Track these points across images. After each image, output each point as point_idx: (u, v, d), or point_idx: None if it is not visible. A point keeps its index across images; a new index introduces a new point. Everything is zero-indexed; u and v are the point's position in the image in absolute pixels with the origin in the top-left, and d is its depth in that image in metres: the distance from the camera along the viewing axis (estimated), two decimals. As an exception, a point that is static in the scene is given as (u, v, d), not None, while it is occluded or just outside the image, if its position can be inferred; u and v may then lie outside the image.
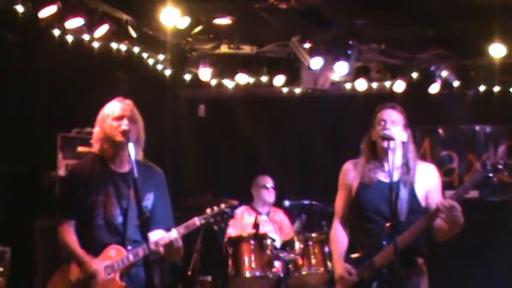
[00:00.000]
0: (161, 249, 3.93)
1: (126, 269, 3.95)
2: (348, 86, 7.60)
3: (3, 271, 5.45)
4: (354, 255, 4.06)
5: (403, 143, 4.05)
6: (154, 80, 7.07)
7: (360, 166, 4.10)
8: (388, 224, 3.88)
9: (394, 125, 4.01)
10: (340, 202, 4.22)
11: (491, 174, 3.87)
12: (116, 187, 4.04)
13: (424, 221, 3.90)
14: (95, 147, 4.11)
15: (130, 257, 3.94)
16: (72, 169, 4.33)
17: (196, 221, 4.05)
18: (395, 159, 3.97)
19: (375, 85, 7.57)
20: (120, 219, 4.01)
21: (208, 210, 4.11)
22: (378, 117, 4.06)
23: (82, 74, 6.52)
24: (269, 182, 7.02)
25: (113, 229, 4.00)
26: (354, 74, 7.17)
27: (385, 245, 3.92)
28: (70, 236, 4.02)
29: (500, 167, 3.87)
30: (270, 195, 7.00)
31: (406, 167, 3.98)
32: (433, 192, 4.05)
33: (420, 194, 4.01)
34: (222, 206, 4.16)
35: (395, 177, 3.99)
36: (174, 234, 3.97)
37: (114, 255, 3.96)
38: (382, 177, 4.05)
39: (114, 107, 4.06)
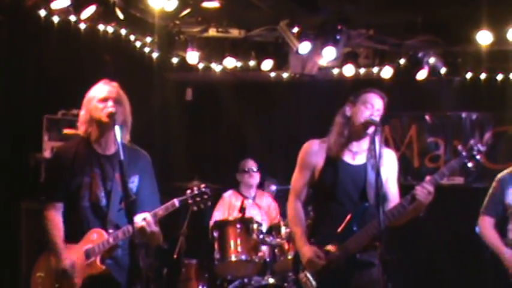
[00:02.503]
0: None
1: (107, 252, 3.93)
2: (335, 71, 7.59)
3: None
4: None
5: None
6: (142, 63, 7.03)
7: (332, 141, 4.05)
8: (348, 216, 3.92)
9: (378, 113, 4.02)
10: (300, 181, 4.14)
11: (466, 161, 3.91)
12: (101, 169, 4.01)
13: (413, 211, 3.92)
14: (81, 130, 4.08)
15: (110, 239, 3.92)
16: (57, 151, 4.29)
17: (176, 202, 3.99)
18: (363, 143, 4.02)
19: (362, 71, 7.57)
20: (104, 201, 4.00)
21: (188, 191, 4.05)
22: (364, 98, 4.03)
23: (68, 55, 6.48)
24: (252, 166, 7.00)
25: (98, 211, 3.99)
26: (342, 60, 7.17)
27: (356, 230, 3.93)
28: (54, 221, 3.99)
29: (475, 153, 3.91)
30: (253, 179, 6.99)
31: (374, 151, 3.92)
32: (391, 179, 4.10)
33: (383, 178, 3.99)
34: (202, 186, 4.08)
35: (362, 160, 4.04)
36: (146, 218, 3.89)
37: (96, 238, 3.94)
38: (349, 158, 4.05)
39: (100, 89, 4.03)
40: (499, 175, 5.04)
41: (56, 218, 3.99)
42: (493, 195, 5.01)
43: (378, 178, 3.77)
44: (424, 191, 3.84)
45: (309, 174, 4.11)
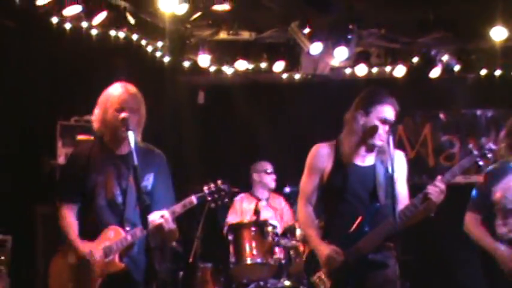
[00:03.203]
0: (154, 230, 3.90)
1: (125, 250, 3.95)
2: (347, 71, 7.61)
3: (4, 259, 5.52)
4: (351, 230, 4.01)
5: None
6: (153, 67, 7.07)
7: (344, 146, 4.08)
8: (359, 219, 3.93)
9: (390, 124, 4.05)
10: (309, 185, 4.17)
11: (478, 159, 3.95)
12: (115, 167, 4.05)
13: (425, 211, 3.92)
14: (95, 126, 4.12)
15: (129, 237, 3.94)
16: (72, 153, 4.35)
17: (193, 199, 4.00)
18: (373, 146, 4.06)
19: (375, 70, 7.56)
20: (120, 199, 4.02)
21: (205, 188, 4.06)
22: (378, 111, 4.04)
23: (81, 62, 6.52)
24: (269, 167, 7.02)
25: (115, 209, 4.02)
26: (354, 59, 7.18)
27: (368, 231, 3.95)
28: (68, 219, 4.03)
29: (486, 152, 3.94)
30: (271, 180, 6.99)
31: (385, 153, 3.96)
32: (400, 180, 4.10)
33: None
34: (219, 182, 4.09)
35: (371, 161, 4.08)
36: (164, 216, 3.91)
37: (113, 236, 3.97)
38: (359, 161, 4.09)
39: (116, 96, 4.04)
40: (488, 168, 4.67)
41: (70, 217, 4.04)
42: (479, 190, 4.73)
43: (391, 179, 3.80)
44: (436, 189, 3.85)
45: (318, 178, 4.15)
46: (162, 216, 3.91)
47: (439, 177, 3.91)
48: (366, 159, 4.11)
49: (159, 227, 3.90)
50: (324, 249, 3.99)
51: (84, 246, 3.94)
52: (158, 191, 4.08)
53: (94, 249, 3.93)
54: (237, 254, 6.18)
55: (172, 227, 3.96)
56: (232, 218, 6.80)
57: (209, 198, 4.05)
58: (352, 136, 4.09)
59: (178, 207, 3.99)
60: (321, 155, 4.14)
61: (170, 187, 4.17)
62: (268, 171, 7.00)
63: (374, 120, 4.04)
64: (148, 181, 4.06)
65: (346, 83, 7.74)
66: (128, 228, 3.97)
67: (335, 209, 4.11)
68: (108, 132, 4.08)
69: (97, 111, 4.12)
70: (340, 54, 6.60)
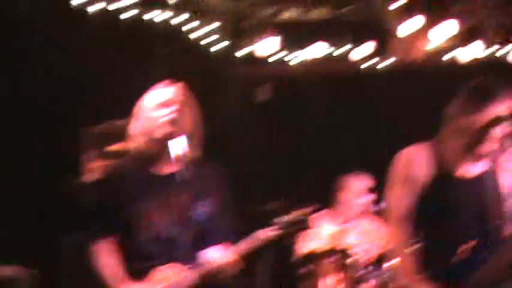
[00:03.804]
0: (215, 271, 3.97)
1: None
2: (448, 55, 7.55)
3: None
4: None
5: None
6: (203, 57, 7.11)
7: (447, 149, 3.93)
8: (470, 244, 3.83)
9: (506, 123, 3.91)
10: (401, 200, 4.01)
11: None
12: (161, 193, 4.03)
13: None
14: (133, 145, 4.12)
15: (189, 277, 3.94)
16: (106, 173, 4.35)
17: (262, 234, 4.08)
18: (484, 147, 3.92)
19: (486, 52, 7.50)
20: (170, 231, 4.00)
21: (277, 220, 4.14)
22: (491, 107, 3.86)
23: (110, 53, 6.56)
24: (364, 184, 6.85)
25: (164, 245, 4.00)
26: (459, 39, 7.13)
27: (483, 258, 3.80)
28: (107, 258, 4.03)
29: None
30: (367, 201, 6.81)
31: (498, 158, 3.88)
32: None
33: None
34: (295, 214, 4.20)
35: (483, 167, 3.94)
36: (225, 257, 3.96)
37: (169, 276, 3.96)
38: (467, 168, 3.93)
39: (156, 94, 4.04)
40: None
41: (109, 254, 4.04)
42: None
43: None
44: None
45: (412, 191, 3.99)
46: (224, 256, 3.94)
47: None
48: (474, 168, 3.95)
49: (222, 269, 3.92)
50: None
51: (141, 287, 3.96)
52: (215, 221, 4.06)
53: None
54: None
55: (235, 270, 4.00)
56: (307, 244, 6.63)
57: (283, 233, 4.14)
58: (456, 138, 3.93)
59: (245, 245, 4.04)
60: (416, 162, 3.99)
61: (229, 216, 4.16)
62: (368, 188, 6.81)
63: (485, 119, 3.86)
64: (205, 209, 4.02)
65: (446, 71, 7.69)
66: (187, 266, 3.95)
67: (437, 232, 3.97)
68: (151, 145, 4.03)
69: (133, 124, 4.10)
70: (439, 35, 6.60)
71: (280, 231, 4.13)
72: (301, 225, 4.20)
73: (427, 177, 3.95)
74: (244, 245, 4.04)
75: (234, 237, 4.09)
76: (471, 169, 3.95)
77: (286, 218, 4.17)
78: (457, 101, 3.97)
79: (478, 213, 3.90)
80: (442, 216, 3.95)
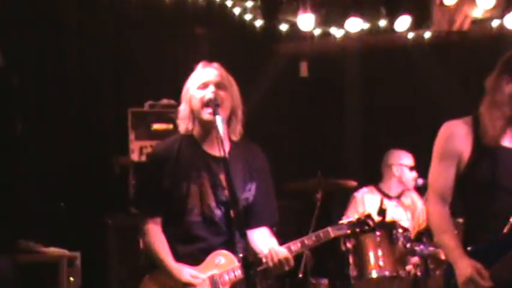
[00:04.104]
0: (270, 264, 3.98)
1: (239, 282, 3.97)
2: (495, 23, 7.43)
3: (74, 280, 5.67)
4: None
5: None
6: (242, 34, 7.13)
7: (488, 123, 3.93)
8: None
9: None
10: (442, 176, 4.02)
11: None
12: (210, 173, 4.05)
13: None
14: (182, 128, 4.14)
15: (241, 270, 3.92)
16: (155, 151, 4.37)
17: (331, 231, 4.21)
18: None
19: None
20: (219, 213, 4.04)
21: (345, 219, 4.32)
22: None
23: (152, 33, 6.63)
24: (411, 160, 6.98)
25: (213, 227, 4.03)
26: (504, 7, 7.03)
27: None
28: (157, 237, 4.06)
29: None
30: (412, 179, 6.93)
31: None
32: None
33: None
34: (365, 214, 4.37)
35: None
36: (286, 251, 4.00)
37: (223, 263, 4.00)
38: (508, 142, 3.94)
39: (196, 75, 4.10)
40: None
41: (158, 234, 4.07)
42: None
43: None
44: None
45: (454, 167, 4.00)
46: (288, 250, 4.00)
47: None
48: None
49: (284, 262, 3.96)
50: (464, 267, 3.81)
51: (186, 273, 3.96)
52: (261, 204, 4.12)
53: (199, 278, 3.96)
54: (359, 266, 6.14)
55: (292, 264, 4.03)
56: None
57: (348, 232, 4.30)
58: (496, 109, 3.92)
59: (311, 240, 4.13)
60: (456, 136, 3.99)
61: (273, 198, 4.23)
62: (412, 167, 6.93)
63: None
64: (251, 192, 4.09)
65: (493, 40, 7.54)
66: (241, 255, 3.87)
67: (480, 207, 3.96)
68: (198, 126, 4.09)
69: (181, 107, 4.14)
70: (485, 1, 6.54)
71: (348, 230, 4.28)
72: (367, 227, 4.34)
73: (469, 151, 3.95)
74: (312, 240, 4.13)
75: (277, 219, 4.19)
76: (508, 142, 3.93)
77: (353, 218, 4.33)
78: (494, 73, 3.97)
79: None
80: (485, 190, 3.92)
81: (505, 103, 3.91)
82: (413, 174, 6.92)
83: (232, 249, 4.00)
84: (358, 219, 4.32)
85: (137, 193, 4.94)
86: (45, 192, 6.40)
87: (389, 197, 6.81)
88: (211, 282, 3.96)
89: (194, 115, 4.06)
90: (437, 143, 4.05)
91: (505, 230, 3.84)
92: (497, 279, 3.77)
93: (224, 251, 4.00)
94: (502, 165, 3.91)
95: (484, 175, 3.93)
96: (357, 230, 4.31)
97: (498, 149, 3.93)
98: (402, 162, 6.97)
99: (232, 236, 3.99)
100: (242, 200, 3.99)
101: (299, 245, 4.07)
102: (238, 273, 3.95)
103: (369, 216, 4.35)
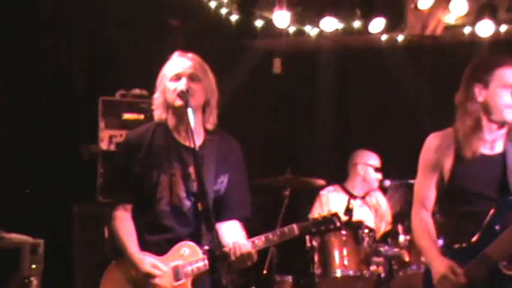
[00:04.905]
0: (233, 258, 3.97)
1: (202, 274, 3.98)
2: (467, 30, 7.43)
3: (36, 268, 5.62)
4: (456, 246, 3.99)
5: None
6: (217, 28, 7.11)
7: (463, 135, 4.01)
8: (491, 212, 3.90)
9: None
10: (424, 186, 4.13)
11: None
12: (182, 163, 4.06)
13: None
14: (156, 116, 4.15)
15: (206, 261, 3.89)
16: (128, 138, 4.36)
17: (295, 228, 4.19)
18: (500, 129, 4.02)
19: (503, 29, 7.36)
20: (188, 204, 4.04)
21: (311, 217, 4.34)
22: (501, 78, 3.94)
23: (127, 23, 6.59)
24: (377, 161, 7.02)
25: (182, 218, 4.04)
26: (476, 15, 7.02)
27: (499, 230, 3.88)
28: (125, 223, 4.07)
29: None
30: (376, 180, 6.99)
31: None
32: None
33: None
34: (330, 213, 4.36)
35: (499, 147, 4.02)
36: (249, 246, 4.00)
37: (188, 254, 4.02)
38: (485, 149, 4.02)
39: (171, 65, 4.10)
40: None
41: (126, 221, 4.07)
42: None
43: None
44: None
45: (436, 177, 4.10)
46: (247, 245, 3.99)
47: None
48: (494, 146, 4.03)
49: (246, 257, 3.96)
50: (439, 266, 3.93)
51: (147, 264, 3.97)
52: (232, 196, 4.12)
53: (161, 268, 3.97)
54: (324, 264, 6.15)
55: (255, 259, 4.03)
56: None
57: (314, 230, 4.30)
58: (471, 120, 3.99)
59: (275, 236, 4.12)
60: (439, 148, 4.07)
61: (246, 191, 4.23)
62: (378, 167, 6.98)
63: (497, 90, 3.93)
64: (222, 184, 4.09)
65: (465, 47, 7.56)
66: (206, 248, 3.82)
67: (457, 209, 4.07)
68: (171, 116, 4.10)
69: (156, 95, 4.15)
70: (458, 8, 6.54)
71: (312, 228, 4.27)
72: (332, 226, 4.31)
73: (450, 163, 4.03)
74: (277, 236, 4.11)
75: (249, 213, 4.18)
76: (492, 147, 4.01)
77: (319, 217, 4.32)
78: (462, 85, 4.03)
79: (498, 188, 3.96)
80: (463, 194, 4.02)
81: (479, 110, 3.98)
82: (378, 175, 6.98)
83: (199, 241, 3.99)
84: (325, 217, 4.32)
85: (108, 178, 4.90)
86: (12, 178, 6.36)
87: (354, 196, 6.85)
88: (175, 273, 3.97)
89: (168, 104, 4.07)
90: (422, 154, 4.16)
91: (474, 239, 3.95)
92: (472, 277, 3.87)
93: (190, 242, 4.01)
94: (478, 170, 4.00)
95: (461, 182, 4.03)
96: (323, 228, 4.30)
97: (477, 158, 4.00)
98: (368, 162, 7.03)
99: (199, 227, 3.97)
100: (212, 192, 3.98)
101: (263, 239, 4.06)
102: (202, 265, 3.95)
103: (335, 215, 4.35)
